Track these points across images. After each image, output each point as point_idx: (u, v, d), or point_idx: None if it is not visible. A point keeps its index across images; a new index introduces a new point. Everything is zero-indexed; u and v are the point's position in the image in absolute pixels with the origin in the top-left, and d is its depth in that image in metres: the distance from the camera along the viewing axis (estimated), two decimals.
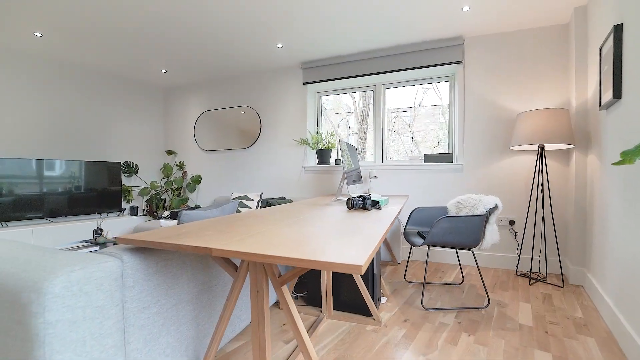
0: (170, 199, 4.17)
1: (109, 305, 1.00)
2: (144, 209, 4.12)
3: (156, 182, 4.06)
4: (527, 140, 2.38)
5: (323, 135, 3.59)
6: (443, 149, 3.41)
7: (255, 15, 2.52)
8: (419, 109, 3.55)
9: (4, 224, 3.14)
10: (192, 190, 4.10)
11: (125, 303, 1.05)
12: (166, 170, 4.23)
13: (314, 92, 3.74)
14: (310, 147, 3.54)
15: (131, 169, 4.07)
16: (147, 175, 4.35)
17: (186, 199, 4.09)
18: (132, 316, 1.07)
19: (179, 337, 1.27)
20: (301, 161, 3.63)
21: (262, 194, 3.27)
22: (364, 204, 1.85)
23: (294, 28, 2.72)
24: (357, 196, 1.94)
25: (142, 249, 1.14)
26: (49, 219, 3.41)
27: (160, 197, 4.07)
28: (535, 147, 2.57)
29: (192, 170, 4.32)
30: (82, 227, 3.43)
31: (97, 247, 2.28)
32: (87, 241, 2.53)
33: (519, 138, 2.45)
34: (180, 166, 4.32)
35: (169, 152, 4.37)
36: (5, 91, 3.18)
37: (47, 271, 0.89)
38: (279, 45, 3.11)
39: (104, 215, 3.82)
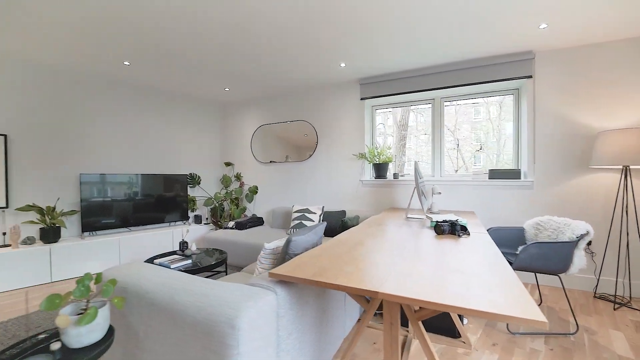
0: (229, 208, 4.41)
1: (270, 335, 1.13)
2: (207, 218, 4.39)
3: (219, 193, 4.30)
4: (612, 161, 2.31)
5: (379, 149, 3.65)
6: (486, 154, 3.38)
7: (324, 39, 2.63)
8: (459, 108, 3.53)
9: (92, 233, 3.49)
10: (250, 200, 4.31)
11: (279, 331, 1.18)
12: (225, 181, 4.48)
13: (369, 107, 3.80)
14: (368, 160, 3.62)
15: (194, 180, 4.35)
16: (207, 186, 4.62)
17: (244, 209, 4.30)
18: (282, 342, 1.20)
19: (305, 358, 1.39)
20: (358, 174, 3.71)
21: (323, 207, 3.38)
22: (454, 229, 1.90)
23: (359, 48, 2.80)
24: (444, 221, 1.99)
25: (286, 281, 1.26)
26: (128, 228, 3.74)
27: (222, 206, 4.32)
28: (619, 166, 2.48)
29: (248, 181, 4.54)
30: (157, 235, 3.72)
31: (189, 261, 2.49)
32: (175, 253, 2.76)
33: (601, 158, 2.37)
34: (238, 177, 4.55)
35: (227, 164, 4.62)
36: (98, 115, 3.54)
37: (233, 307, 1.03)
38: (342, 65, 3.21)
39: (172, 224, 4.11)
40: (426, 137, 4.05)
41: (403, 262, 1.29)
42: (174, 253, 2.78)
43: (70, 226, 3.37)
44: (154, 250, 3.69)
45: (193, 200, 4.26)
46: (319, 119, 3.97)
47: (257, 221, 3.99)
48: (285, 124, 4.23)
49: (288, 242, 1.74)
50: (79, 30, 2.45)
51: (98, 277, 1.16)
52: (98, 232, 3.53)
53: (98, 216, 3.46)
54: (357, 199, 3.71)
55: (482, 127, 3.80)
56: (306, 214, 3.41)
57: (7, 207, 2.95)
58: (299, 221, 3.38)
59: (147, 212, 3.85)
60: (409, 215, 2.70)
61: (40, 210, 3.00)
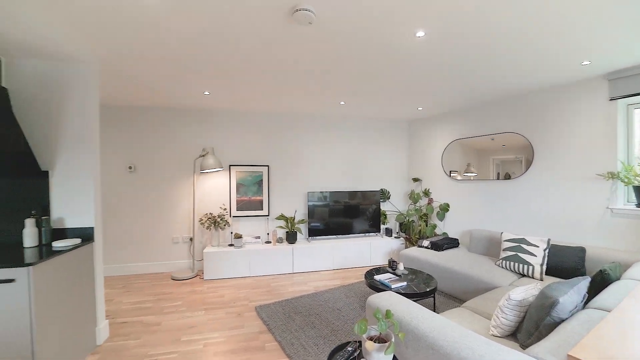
0: (418, 224, 4.46)
1: None
2: (397, 232, 4.64)
3: (411, 210, 4.45)
4: None
5: None
6: None
7: (569, 38, 2.12)
8: None
9: (314, 237, 4.41)
10: (441, 218, 4.19)
11: None
12: (413, 196, 4.56)
13: (623, 107, 2.81)
14: (624, 182, 2.68)
15: (385, 195, 4.68)
16: (395, 201, 4.88)
17: (434, 226, 4.23)
18: None
19: None
20: (605, 200, 2.82)
21: (549, 240, 2.80)
22: None
23: (616, 35, 2.09)
24: None
25: None
26: (335, 235, 4.49)
27: (412, 222, 4.44)
28: None
29: (437, 198, 4.43)
30: (357, 244, 4.26)
31: (405, 283, 2.67)
32: (384, 269, 3.05)
33: None
34: (426, 193, 4.53)
35: (415, 179, 4.69)
36: (317, 143, 4.46)
37: None
38: (585, 63, 2.52)
39: (367, 234, 4.60)
40: None
41: None
42: (383, 269, 3.07)
43: (302, 231, 4.41)
44: (355, 255, 4.25)
45: (384, 214, 4.60)
46: (536, 129, 3.31)
47: (452, 242, 3.82)
48: (485, 137, 3.81)
49: (553, 303, 1.52)
50: (305, 87, 3.13)
51: (387, 314, 1.42)
52: (316, 238, 4.44)
53: (317, 224, 4.35)
54: (604, 233, 2.83)
55: None
56: (523, 246, 2.93)
57: (268, 215, 4.22)
58: (513, 253, 2.95)
59: (348, 223, 4.49)
60: None
61: (285, 219, 4.09)
